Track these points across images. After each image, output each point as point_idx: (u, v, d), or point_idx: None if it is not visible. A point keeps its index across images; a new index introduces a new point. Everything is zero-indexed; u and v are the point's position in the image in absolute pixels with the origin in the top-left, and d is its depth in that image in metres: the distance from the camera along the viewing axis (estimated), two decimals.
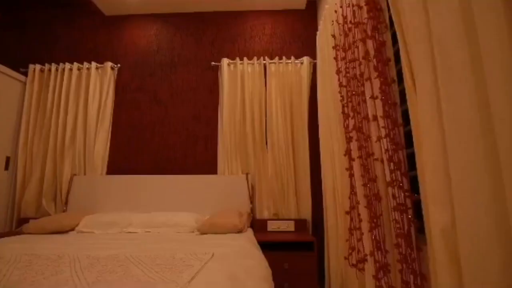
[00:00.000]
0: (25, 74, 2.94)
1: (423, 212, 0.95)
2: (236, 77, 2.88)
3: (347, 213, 1.49)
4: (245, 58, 2.91)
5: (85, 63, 2.93)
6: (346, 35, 1.60)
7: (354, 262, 1.44)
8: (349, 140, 1.53)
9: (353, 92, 1.48)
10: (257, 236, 2.18)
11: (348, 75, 1.58)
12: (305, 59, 2.87)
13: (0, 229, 2.62)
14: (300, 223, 2.58)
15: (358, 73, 1.43)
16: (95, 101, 2.88)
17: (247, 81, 2.85)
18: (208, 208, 2.60)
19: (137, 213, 2.40)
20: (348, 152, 1.55)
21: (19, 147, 2.76)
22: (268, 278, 1.37)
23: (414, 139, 0.99)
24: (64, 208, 2.68)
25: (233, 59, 2.95)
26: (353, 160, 1.45)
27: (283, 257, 2.17)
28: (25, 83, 2.90)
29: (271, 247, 2.20)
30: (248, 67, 2.90)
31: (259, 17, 3.12)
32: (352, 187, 1.48)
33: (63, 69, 2.93)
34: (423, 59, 0.88)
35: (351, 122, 1.51)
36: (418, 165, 0.97)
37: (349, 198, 1.51)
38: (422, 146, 0.90)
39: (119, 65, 3.04)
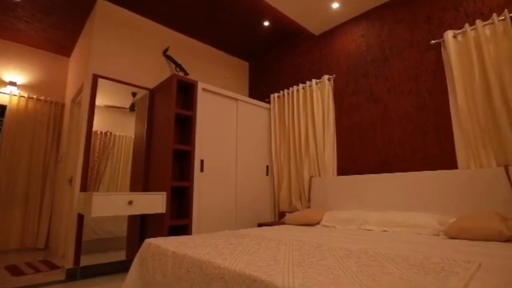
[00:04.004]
0: (268, 102, 3.87)
1: None
2: (468, 47, 2.34)
3: None
4: (477, 21, 2.31)
5: (307, 82, 3.45)
6: None
7: None
8: None
9: None
10: None
11: None
12: None
13: (269, 219, 3.54)
14: None
15: None
16: (319, 112, 3.30)
17: (486, 48, 2.24)
18: (448, 208, 2.25)
19: (372, 211, 2.48)
20: None
21: (272, 157, 3.64)
22: None
23: None
24: (308, 204, 3.22)
25: (460, 27, 2.43)
26: None
27: None
28: (269, 109, 3.80)
29: None
30: (485, 30, 2.28)
31: None
32: None
33: (292, 92, 3.60)
34: None
35: None
36: None
37: None
38: None
39: (334, 75, 3.33)
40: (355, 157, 3.05)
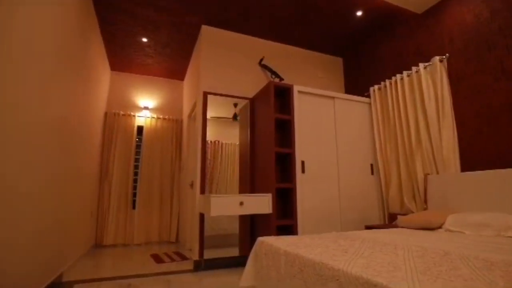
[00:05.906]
0: (368, 96, 3.62)
1: None
2: None
3: None
4: None
5: (412, 68, 3.07)
6: None
7: None
8: None
9: None
10: None
11: None
12: None
13: (377, 221, 3.29)
14: None
15: None
16: (431, 100, 2.89)
17: None
18: None
19: None
20: None
21: (377, 155, 3.38)
22: None
23: None
24: (425, 206, 2.85)
25: None
26: None
27: None
28: (369, 104, 3.55)
29: None
30: None
31: None
32: None
33: (395, 81, 3.27)
34: None
35: None
36: None
37: None
38: None
39: (447, 55, 2.86)
40: (485, 149, 2.53)
